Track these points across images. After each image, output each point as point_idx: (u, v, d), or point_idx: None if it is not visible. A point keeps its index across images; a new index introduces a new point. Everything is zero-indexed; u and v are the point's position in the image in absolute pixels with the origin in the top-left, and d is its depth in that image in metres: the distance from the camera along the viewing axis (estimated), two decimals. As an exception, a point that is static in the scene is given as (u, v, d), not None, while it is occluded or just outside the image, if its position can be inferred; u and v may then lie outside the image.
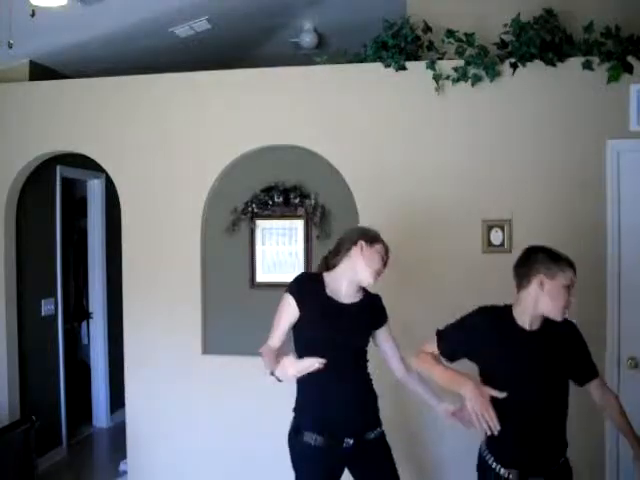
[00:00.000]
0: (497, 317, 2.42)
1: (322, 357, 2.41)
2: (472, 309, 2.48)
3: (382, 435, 2.70)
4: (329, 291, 2.67)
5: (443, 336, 2.50)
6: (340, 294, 2.68)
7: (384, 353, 2.82)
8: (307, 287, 2.68)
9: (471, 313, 2.47)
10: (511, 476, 2.33)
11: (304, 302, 2.62)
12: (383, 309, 2.82)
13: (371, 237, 2.68)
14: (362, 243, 2.63)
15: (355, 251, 2.64)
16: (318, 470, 2.58)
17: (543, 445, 2.35)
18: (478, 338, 2.40)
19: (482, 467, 2.44)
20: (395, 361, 2.80)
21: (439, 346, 2.49)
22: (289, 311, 2.63)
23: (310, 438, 2.54)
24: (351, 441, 2.55)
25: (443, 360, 2.48)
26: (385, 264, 2.70)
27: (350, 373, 2.63)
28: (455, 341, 2.47)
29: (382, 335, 2.79)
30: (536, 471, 2.34)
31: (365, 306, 2.72)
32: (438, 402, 2.68)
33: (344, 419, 2.56)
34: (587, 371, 2.47)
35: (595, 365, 2.50)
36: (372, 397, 2.72)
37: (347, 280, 2.67)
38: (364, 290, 2.76)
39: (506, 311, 2.42)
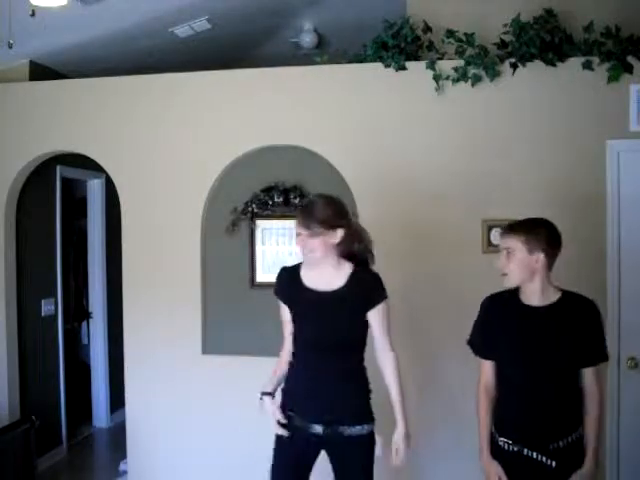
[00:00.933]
0: (502, 297, 2.55)
1: (306, 352, 2.61)
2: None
3: (366, 435, 2.57)
4: (307, 281, 2.62)
5: (472, 341, 2.64)
6: (320, 280, 2.60)
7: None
8: (287, 283, 2.69)
9: (481, 304, 2.62)
10: (505, 446, 2.45)
11: (288, 299, 2.68)
12: (377, 288, 2.61)
13: None
14: None
15: None
16: (282, 446, 2.64)
17: (542, 420, 2.41)
18: (490, 320, 2.56)
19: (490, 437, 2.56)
20: (377, 349, 2.64)
21: (474, 352, 2.62)
22: (284, 309, 2.71)
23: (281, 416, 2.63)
24: (319, 428, 2.53)
25: (487, 364, 2.58)
26: (301, 226, 2.55)
27: (333, 366, 2.56)
28: (480, 337, 2.60)
29: (370, 318, 2.60)
30: (532, 445, 2.41)
31: (353, 288, 2.58)
32: (396, 429, 2.59)
33: (313, 405, 2.56)
34: (587, 353, 2.43)
35: (598, 352, 2.45)
36: (354, 390, 2.60)
37: (314, 261, 2.60)
38: (356, 267, 2.63)
39: (511, 291, 2.53)
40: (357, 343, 2.62)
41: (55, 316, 4.87)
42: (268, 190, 4.54)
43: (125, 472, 4.10)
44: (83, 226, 5.70)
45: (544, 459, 2.39)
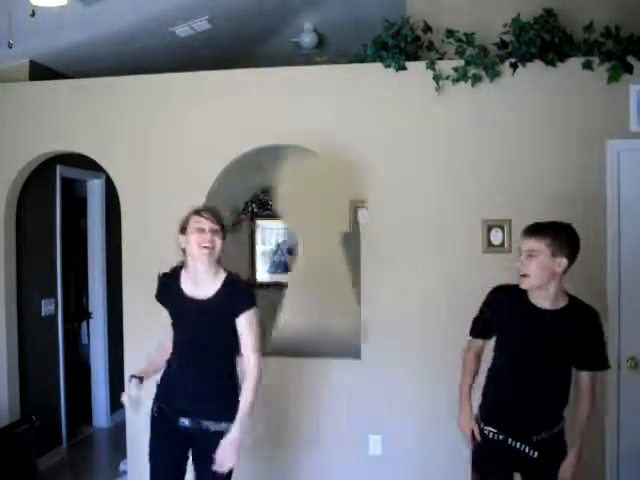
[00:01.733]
0: (511, 292, 2.55)
1: (181, 353, 2.73)
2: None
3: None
4: (186, 289, 2.72)
5: (474, 321, 2.71)
6: (197, 288, 2.69)
7: None
8: (164, 287, 2.81)
9: (489, 293, 2.64)
10: (491, 434, 2.53)
11: (168, 303, 2.79)
12: (244, 297, 2.71)
13: (185, 218, 2.75)
14: (182, 229, 2.74)
15: (181, 238, 2.74)
16: (153, 436, 2.77)
17: (530, 414, 2.48)
18: (494, 311, 2.60)
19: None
20: (242, 359, 2.68)
21: (472, 331, 2.71)
22: (163, 311, 2.82)
23: (154, 406, 2.77)
24: (186, 421, 2.65)
25: (479, 341, 2.71)
26: (211, 222, 2.66)
27: (204, 367, 2.67)
28: (481, 321, 2.68)
29: (237, 326, 2.67)
30: (517, 436, 2.49)
31: (223, 296, 2.67)
32: (233, 427, 2.62)
33: (182, 400, 2.67)
34: (586, 360, 2.51)
35: (599, 360, 2.52)
36: (221, 390, 2.68)
37: (195, 268, 2.69)
38: (230, 277, 2.71)
39: (521, 289, 2.51)
40: (227, 347, 2.71)
41: (55, 316, 4.86)
42: (268, 190, 4.53)
43: (125, 472, 4.10)
44: (83, 226, 5.70)
45: (527, 449, 2.48)
